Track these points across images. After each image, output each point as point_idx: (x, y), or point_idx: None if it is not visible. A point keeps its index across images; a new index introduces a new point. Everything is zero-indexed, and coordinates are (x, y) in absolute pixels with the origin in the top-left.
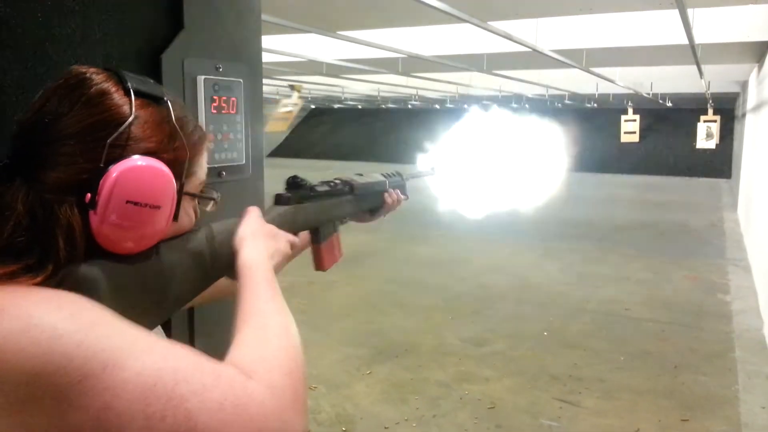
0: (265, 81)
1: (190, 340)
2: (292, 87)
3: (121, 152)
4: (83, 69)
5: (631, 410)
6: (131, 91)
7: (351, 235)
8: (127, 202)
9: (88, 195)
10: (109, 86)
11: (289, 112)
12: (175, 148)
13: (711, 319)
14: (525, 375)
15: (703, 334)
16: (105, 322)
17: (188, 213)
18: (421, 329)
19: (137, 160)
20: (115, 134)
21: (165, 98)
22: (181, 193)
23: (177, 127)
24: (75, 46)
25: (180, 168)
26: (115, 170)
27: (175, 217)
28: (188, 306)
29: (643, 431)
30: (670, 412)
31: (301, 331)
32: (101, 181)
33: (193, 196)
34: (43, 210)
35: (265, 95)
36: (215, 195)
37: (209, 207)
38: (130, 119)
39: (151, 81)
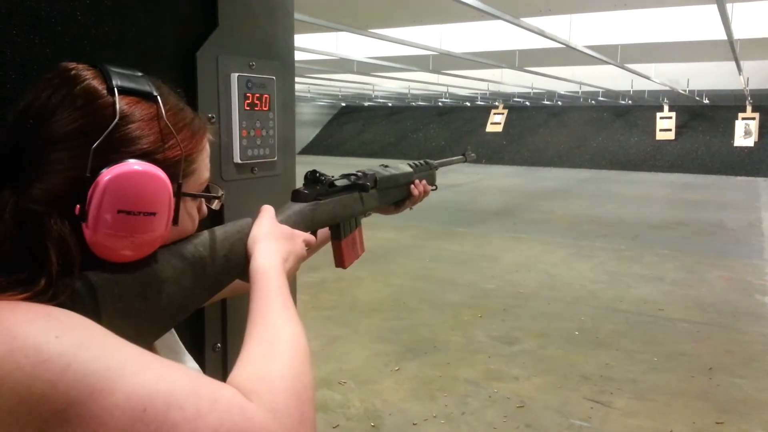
0: (297, 79)
1: (223, 334)
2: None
3: (109, 157)
4: (71, 65)
5: (663, 412)
6: (116, 89)
7: (379, 232)
8: (119, 211)
9: (78, 207)
10: (95, 84)
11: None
12: (168, 147)
13: (748, 321)
14: (555, 374)
15: (739, 335)
16: (95, 341)
17: (191, 214)
18: (449, 326)
19: (126, 166)
20: (99, 139)
21: (155, 94)
22: (179, 194)
23: (169, 124)
24: (111, 45)
25: (176, 168)
26: (103, 179)
27: (175, 221)
28: (215, 300)
29: None
30: (704, 414)
31: (330, 326)
32: (89, 191)
33: (192, 196)
34: (33, 222)
35: (298, 93)
36: (219, 193)
37: (214, 205)
38: (116, 121)
39: (140, 74)
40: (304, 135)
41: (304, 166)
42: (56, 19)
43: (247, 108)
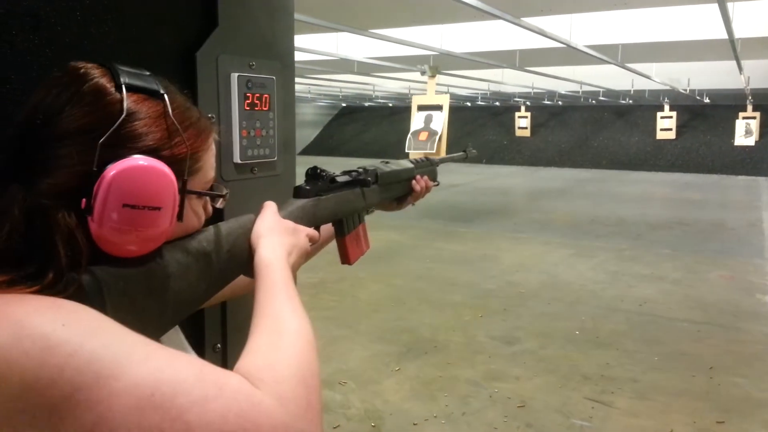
0: (297, 80)
1: (223, 334)
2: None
3: (116, 153)
4: (80, 64)
5: (664, 411)
6: (124, 87)
7: (380, 232)
8: (124, 205)
9: (84, 201)
10: (104, 82)
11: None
12: (174, 144)
13: (749, 320)
14: (556, 374)
15: (740, 335)
16: (102, 330)
17: (196, 212)
18: (450, 327)
19: (132, 161)
20: (107, 134)
21: (162, 92)
22: (184, 191)
23: (175, 122)
24: (111, 44)
25: (181, 165)
26: (109, 173)
27: (180, 217)
28: (215, 302)
29: None
30: (705, 414)
31: (330, 327)
32: (95, 186)
33: (197, 194)
34: (41, 216)
35: (299, 94)
36: (224, 191)
37: (218, 204)
38: (123, 117)
39: (148, 74)
40: (305, 135)
41: (304, 166)
42: (56, 19)
43: (247, 108)
